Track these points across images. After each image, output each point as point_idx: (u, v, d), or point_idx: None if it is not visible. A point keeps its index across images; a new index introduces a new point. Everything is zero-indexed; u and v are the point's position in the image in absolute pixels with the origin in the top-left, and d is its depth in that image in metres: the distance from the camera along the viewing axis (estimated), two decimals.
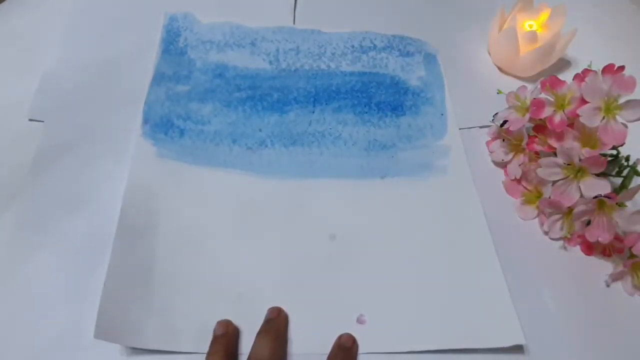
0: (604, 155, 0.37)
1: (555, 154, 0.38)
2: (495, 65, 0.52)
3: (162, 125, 0.42)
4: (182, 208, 0.38)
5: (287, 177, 0.41)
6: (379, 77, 0.49)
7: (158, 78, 0.45)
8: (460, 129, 0.45)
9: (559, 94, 0.39)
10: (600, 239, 0.36)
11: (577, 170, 0.37)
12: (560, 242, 0.40)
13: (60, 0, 0.49)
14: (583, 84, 0.38)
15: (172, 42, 0.48)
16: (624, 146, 0.37)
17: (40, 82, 0.43)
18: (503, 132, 0.43)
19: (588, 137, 0.37)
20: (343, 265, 0.36)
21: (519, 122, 0.41)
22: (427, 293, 0.36)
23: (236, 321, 0.33)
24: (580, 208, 0.37)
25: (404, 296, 0.35)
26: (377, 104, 0.46)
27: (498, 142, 0.44)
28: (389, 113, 0.46)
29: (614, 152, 0.40)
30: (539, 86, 0.40)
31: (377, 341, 0.33)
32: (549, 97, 0.40)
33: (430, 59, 0.51)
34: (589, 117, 0.36)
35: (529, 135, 0.41)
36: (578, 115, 0.37)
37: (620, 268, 0.37)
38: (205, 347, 0.31)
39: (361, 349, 0.33)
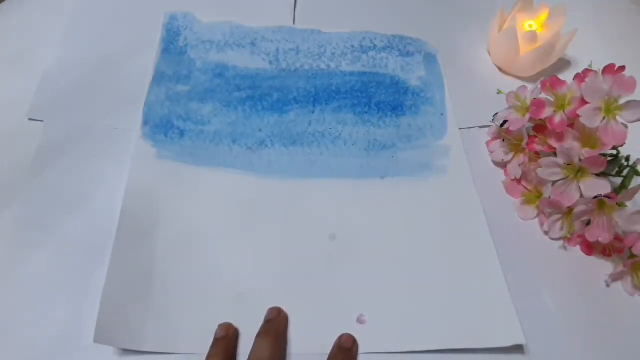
0: (604, 155, 0.37)
1: (555, 154, 0.38)
2: (495, 65, 0.52)
3: (162, 127, 0.42)
4: (182, 209, 0.38)
5: (287, 177, 0.40)
6: (379, 77, 0.49)
7: (158, 78, 0.45)
8: (460, 129, 0.45)
9: (559, 94, 0.39)
10: (600, 239, 0.36)
11: (577, 171, 0.37)
12: (560, 242, 0.40)
13: (60, 0, 0.49)
14: (583, 84, 0.37)
15: (172, 42, 0.48)
16: (624, 146, 0.37)
17: (40, 81, 0.43)
18: (503, 132, 0.43)
19: (588, 137, 0.37)
20: (343, 265, 0.36)
21: (519, 122, 0.41)
22: (427, 293, 0.35)
23: (236, 322, 0.33)
24: (580, 208, 0.37)
25: (404, 296, 0.35)
26: (377, 104, 0.46)
27: (498, 142, 0.44)
28: (389, 113, 0.46)
29: (614, 152, 0.40)
30: (539, 86, 0.40)
31: (377, 341, 0.33)
32: (549, 97, 0.40)
33: (430, 59, 0.51)
34: (589, 118, 0.36)
35: (529, 135, 0.41)
36: (578, 116, 0.37)
37: (620, 268, 0.37)
38: (205, 348, 0.31)
39: (361, 349, 0.33)
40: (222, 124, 0.43)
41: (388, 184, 0.41)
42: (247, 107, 0.44)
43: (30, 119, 0.41)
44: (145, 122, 0.42)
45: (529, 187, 0.42)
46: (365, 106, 0.46)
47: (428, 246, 0.38)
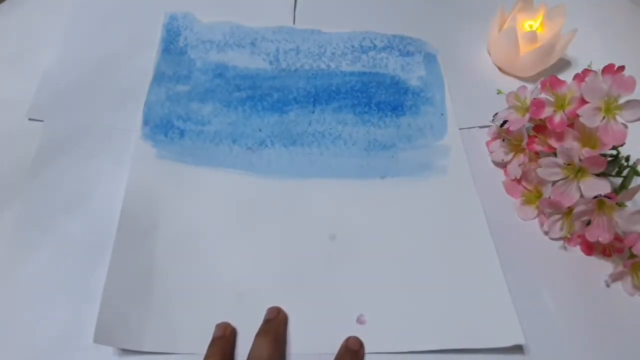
0: (604, 155, 0.37)
1: (555, 154, 0.38)
2: (495, 65, 0.52)
3: (162, 127, 0.42)
4: (182, 209, 0.38)
5: (287, 177, 0.40)
6: (379, 77, 0.49)
7: (158, 78, 0.45)
8: (460, 129, 0.45)
9: (559, 94, 0.39)
10: (600, 239, 0.36)
11: (577, 170, 0.37)
12: (560, 242, 0.40)
13: (60, 0, 0.49)
14: (583, 84, 0.37)
15: (172, 42, 0.48)
16: (624, 146, 0.37)
17: (40, 81, 0.43)
18: (503, 132, 0.43)
19: (588, 137, 0.37)
20: (343, 265, 0.36)
21: (519, 122, 0.41)
22: (427, 293, 0.36)
23: (236, 321, 0.33)
24: (580, 208, 0.37)
25: (404, 296, 0.35)
26: (377, 104, 0.46)
27: (498, 142, 0.44)
28: (389, 113, 0.46)
29: (614, 152, 0.40)
30: (539, 86, 0.40)
31: (377, 341, 0.33)
32: (549, 97, 0.40)
33: (430, 59, 0.51)
34: (589, 117, 0.36)
35: (529, 135, 0.41)
36: (578, 116, 0.37)
37: (620, 268, 0.37)
38: (205, 348, 0.31)
39: None
40: (222, 124, 0.43)
41: (388, 184, 0.41)
42: (247, 107, 0.44)
43: (30, 119, 0.41)
44: (145, 122, 0.42)
45: (529, 187, 0.42)
46: (365, 106, 0.46)
47: (428, 246, 0.38)
